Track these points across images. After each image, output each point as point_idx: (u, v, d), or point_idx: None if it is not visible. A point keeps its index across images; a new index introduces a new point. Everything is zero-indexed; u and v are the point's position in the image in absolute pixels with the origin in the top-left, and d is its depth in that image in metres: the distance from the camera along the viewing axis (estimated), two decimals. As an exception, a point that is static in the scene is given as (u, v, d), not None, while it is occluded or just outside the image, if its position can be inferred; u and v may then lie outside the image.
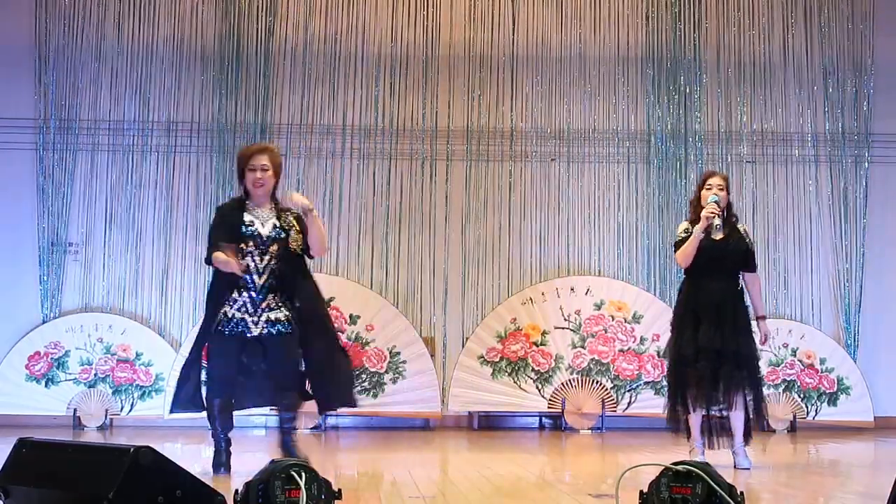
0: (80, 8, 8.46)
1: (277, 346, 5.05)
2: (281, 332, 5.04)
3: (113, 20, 8.49)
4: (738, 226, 5.62)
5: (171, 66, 8.50)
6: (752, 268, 5.60)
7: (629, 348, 8.21)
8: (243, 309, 5.03)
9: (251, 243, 5.05)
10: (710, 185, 5.50)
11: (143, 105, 8.45)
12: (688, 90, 8.68)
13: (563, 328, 8.25)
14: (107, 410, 8.02)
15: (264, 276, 5.06)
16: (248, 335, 5.02)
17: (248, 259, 5.03)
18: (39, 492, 3.07)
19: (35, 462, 3.14)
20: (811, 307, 8.56)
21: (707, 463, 3.04)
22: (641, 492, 3.08)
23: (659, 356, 8.15)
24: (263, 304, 5.04)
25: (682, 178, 8.60)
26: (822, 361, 8.33)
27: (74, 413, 7.99)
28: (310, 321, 5.13)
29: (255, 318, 5.03)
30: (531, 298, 8.32)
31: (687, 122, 8.65)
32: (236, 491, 3.01)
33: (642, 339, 8.21)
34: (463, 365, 8.15)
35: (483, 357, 8.16)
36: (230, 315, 5.03)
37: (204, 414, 5.19)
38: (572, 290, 8.35)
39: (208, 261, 5.13)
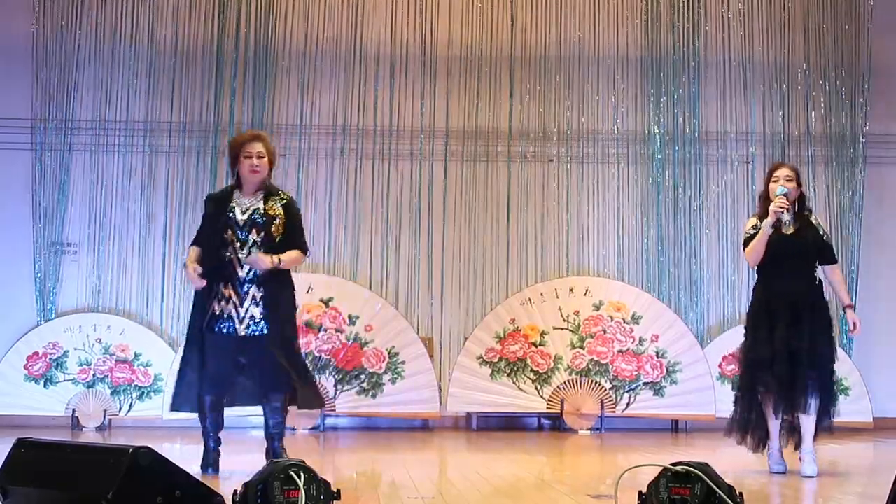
0: (78, 7, 8.46)
1: (260, 347, 4.99)
2: (261, 332, 4.99)
3: (110, 20, 8.48)
4: (812, 218, 5.39)
5: (170, 65, 8.49)
6: (828, 260, 5.35)
7: (628, 349, 8.21)
8: (230, 304, 4.99)
9: (229, 232, 5.03)
10: (776, 176, 5.27)
11: (141, 105, 8.45)
12: (686, 91, 8.68)
13: (561, 329, 8.25)
14: (105, 411, 8.01)
15: (246, 267, 5.01)
16: (237, 334, 5.00)
17: (230, 250, 5.01)
18: (38, 492, 3.07)
19: (34, 462, 3.14)
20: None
21: (706, 463, 3.04)
22: (640, 492, 3.08)
23: (658, 357, 8.15)
24: (247, 300, 4.98)
25: (680, 178, 8.61)
26: (821, 362, 8.31)
27: (73, 413, 7.99)
28: (276, 318, 5.04)
29: (241, 315, 4.99)
30: (530, 299, 8.32)
31: (685, 123, 8.66)
32: (235, 491, 3.01)
33: (641, 340, 8.21)
34: (462, 365, 8.14)
35: (482, 357, 8.16)
36: (218, 311, 5.00)
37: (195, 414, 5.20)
38: (571, 290, 8.35)
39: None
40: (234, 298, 4.99)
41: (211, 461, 5.06)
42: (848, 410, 8.23)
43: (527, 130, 8.65)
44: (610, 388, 8.14)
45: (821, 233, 5.38)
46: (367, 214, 8.51)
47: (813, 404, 5.16)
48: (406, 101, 8.61)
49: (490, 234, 8.57)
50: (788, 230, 5.25)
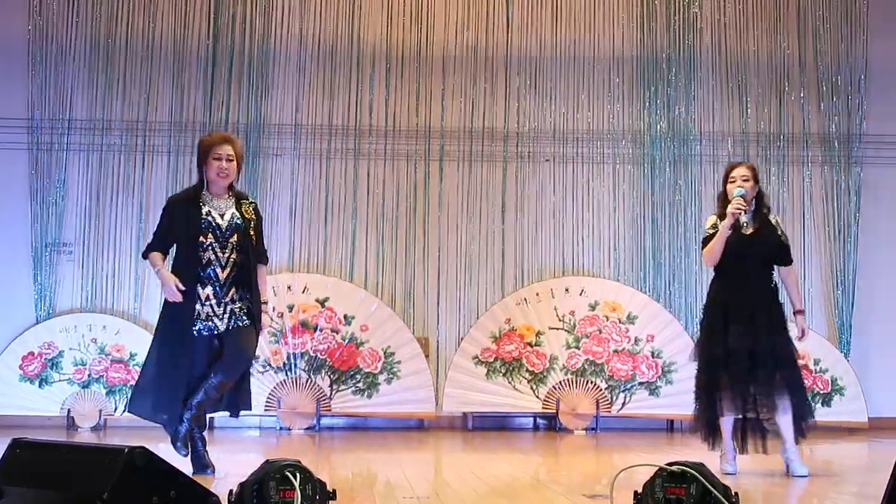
0: (74, 7, 8.45)
1: (238, 337, 4.97)
2: (240, 325, 4.98)
3: (107, 20, 8.47)
4: (770, 217, 5.35)
5: (166, 66, 8.48)
6: (786, 261, 5.31)
7: (623, 349, 8.21)
8: (208, 304, 4.95)
9: (210, 236, 4.97)
10: (733, 177, 5.24)
11: (138, 105, 8.44)
12: (682, 91, 8.69)
13: (557, 329, 8.26)
14: (101, 411, 8.00)
15: (227, 269, 4.99)
16: (216, 332, 4.98)
17: (210, 253, 4.96)
18: (34, 492, 3.07)
19: (29, 462, 3.13)
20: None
21: (702, 463, 3.05)
22: (636, 492, 3.08)
23: (653, 357, 8.16)
24: (227, 298, 4.97)
25: (676, 178, 8.62)
26: (816, 362, 8.33)
27: (68, 413, 7.97)
28: (255, 315, 5.04)
29: (221, 313, 4.97)
30: (526, 299, 8.32)
31: (681, 123, 8.67)
32: (231, 491, 3.01)
33: (637, 340, 8.22)
34: (457, 365, 8.15)
35: (477, 357, 8.16)
36: (196, 313, 4.95)
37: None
38: (567, 290, 8.36)
39: (145, 255, 5.10)
40: (213, 300, 4.97)
41: (207, 462, 5.03)
42: (843, 410, 8.28)
43: (522, 130, 8.65)
44: (605, 388, 8.15)
45: (779, 233, 5.33)
46: (363, 214, 8.51)
47: (786, 405, 5.12)
48: (402, 101, 8.61)
49: (486, 234, 8.57)
50: (747, 230, 5.24)
